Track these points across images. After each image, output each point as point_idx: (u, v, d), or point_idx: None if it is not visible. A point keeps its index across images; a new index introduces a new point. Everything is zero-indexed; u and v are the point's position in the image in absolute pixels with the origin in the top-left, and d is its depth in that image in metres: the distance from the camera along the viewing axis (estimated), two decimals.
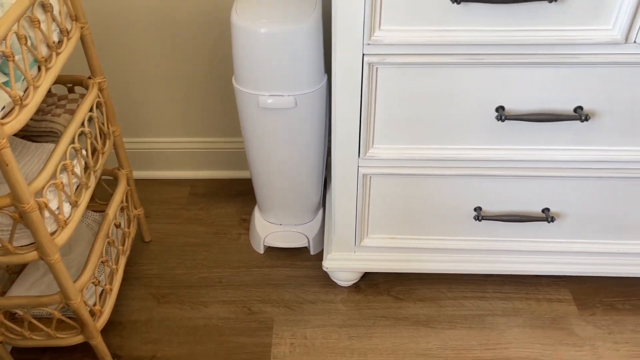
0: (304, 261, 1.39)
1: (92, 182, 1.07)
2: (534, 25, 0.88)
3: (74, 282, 1.01)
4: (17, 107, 0.80)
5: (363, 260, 1.25)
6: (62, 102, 1.12)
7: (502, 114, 0.97)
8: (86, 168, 1.06)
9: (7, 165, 0.78)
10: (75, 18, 1.01)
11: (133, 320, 1.27)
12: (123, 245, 1.26)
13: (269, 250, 1.42)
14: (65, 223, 0.95)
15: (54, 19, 0.92)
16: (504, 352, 1.18)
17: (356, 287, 1.32)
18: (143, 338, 1.23)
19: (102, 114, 1.15)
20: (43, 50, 0.88)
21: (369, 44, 0.91)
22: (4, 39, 0.76)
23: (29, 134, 1.06)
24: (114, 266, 1.20)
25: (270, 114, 1.16)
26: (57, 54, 0.92)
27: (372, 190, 1.13)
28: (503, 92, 0.97)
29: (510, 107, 0.99)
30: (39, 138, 1.05)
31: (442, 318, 1.25)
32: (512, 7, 0.86)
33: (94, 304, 1.11)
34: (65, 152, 0.95)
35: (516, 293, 1.30)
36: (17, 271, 1.22)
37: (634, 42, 0.89)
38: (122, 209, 1.27)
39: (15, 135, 1.02)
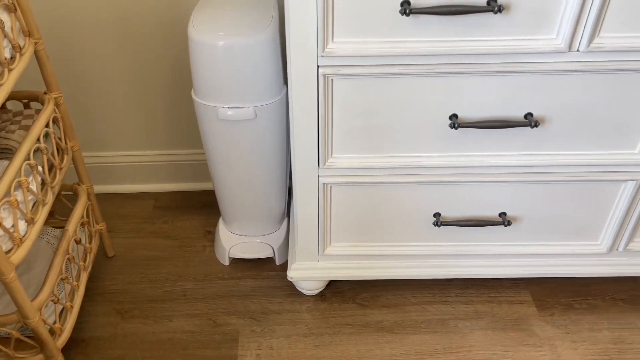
0: (270, 271, 1.39)
1: (50, 199, 1.05)
2: (482, 36, 0.91)
3: (32, 300, 0.99)
4: None
5: (327, 269, 1.26)
6: (17, 119, 1.10)
7: (455, 121, 1.00)
8: (43, 184, 1.05)
9: None
10: (28, 34, 1.00)
11: (96, 336, 1.26)
12: (84, 261, 1.24)
13: (235, 261, 1.42)
14: (21, 241, 0.94)
15: (5, 35, 0.91)
16: (467, 355, 1.20)
17: (322, 295, 1.33)
18: (107, 354, 1.22)
19: (59, 129, 1.14)
20: None
21: (322, 56, 0.92)
22: None
23: None
24: (75, 283, 1.18)
25: (230, 126, 1.17)
26: (9, 70, 0.92)
27: (333, 199, 1.14)
28: (456, 101, 1.00)
29: (464, 114, 1.01)
30: None
31: (406, 323, 1.27)
32: (459, 19, 0.89)
33: (54, 322, 1.09)
34: (19, 169, 0.94)
35: (478, 296, 1.32)
36: None
37: (577, 50, 0.92)
38: (83, 225, 1.25)
39: None
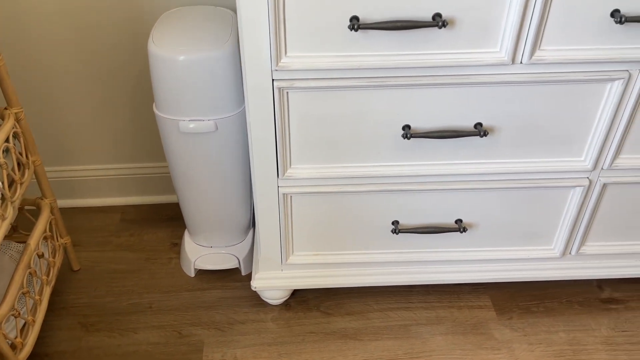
0: (235, 282, 1.41)
1: (10, 213, 1.06)
2: (429, 50, 0.95)
3: None
4: None
5: (290, 278, 1.28)
6: None
7: (408, 132, 1.03)
8: (3, 199, 1.05)
9: None
10: None
11: (60, 350, 1.25)
12: (47, 275, 1.25)
13: (201, 273, 1.43)
14: None
15: None
16: None
17: (286, 304, 1.35)
18: None
19: (20, 144, 1.15)
20: None
21: (277, 70, 0.95)
22: None
23: None
24: (37, 297, 1.18)
25: (192, 139, 1.19)
26: None
27: (293, 209, 1.17)
28: (408, 112, 1.03)
29: (416, 125, 1.05)
30: None
31: (369, 330, 1.29)
32: (407, 33, 0.92)
33: (15, 337, 1.09)
34: None
35: (439, 302, 1.35)
36: None
37: (521, 62, 0.97)
38: (46, 239, 1.26)
39: None
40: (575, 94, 1.02)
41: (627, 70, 0.98)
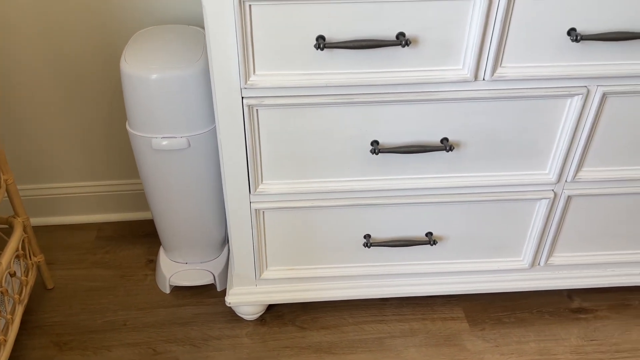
0: (211, 298, 1.41)
1: None
2: (394, 67, 0.97)
3: None
4: None
5: (265, 293, 1.29)
6: None
7: (376, 147, 1.06)
8: None
9: None
10: None
11: None
12: (20, 294, 1.24)
13: (176, 289, 1.43)
14: None
15: None
16: None
17: (261, 319, 1.36)
18: None
19: None
20: None
21: (246, 88, 0.97)
22: None
23: None
24: (9, 316, 1.17)
25: (164, 156, 1.20)
26: None
27: (266, 224, 1.18)
28: (376, 128, 1.06)
29: (384, 140, 1.07)
30: None
31: (343, 344, 1.30)
32: (372, 52, 0.95)
33: None
34: None
35: (413, 314, 1.37)
36: None
37: (483, 79, 1.00)
38: (18, 257, 1.25)
39: None
40: (537, 109, 1.05)
41: (586, 86, 1.02)
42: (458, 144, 1.09)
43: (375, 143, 1.07)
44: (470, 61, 0.97)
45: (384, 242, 1.21)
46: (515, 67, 0.99)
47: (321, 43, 0.91)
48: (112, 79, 1.39)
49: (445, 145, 1.06)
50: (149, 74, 1.11)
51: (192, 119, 1.16)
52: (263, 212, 1.16)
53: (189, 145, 1.18)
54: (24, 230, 1.28)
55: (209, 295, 1.42)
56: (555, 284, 1.32)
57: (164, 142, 1.18)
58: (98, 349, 1.29)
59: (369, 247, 1.21)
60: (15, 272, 1.21)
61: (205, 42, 1.17)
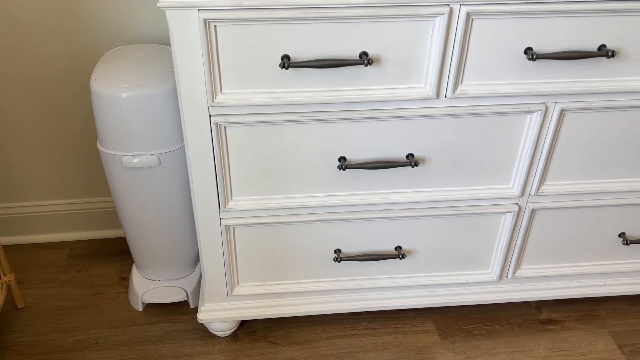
0: (184, 315, 1.41)
1: None
2: (358, 86, 1.00)
3: None
4: None
5: (237, 309, 1.29)
6: None
7: (343, 163, 1.08)
8: None
9: None
10: None
11: None
12: None
13: (149, 307, 1.43)
14: None
15: None
16: None
17: (234, 336, 1.36)
18: None
19: None
20: None
21: (213, 106, 0.99)
22: None
23: None
24: None
25: (135, 173, 1.21)
26: None
27: (237, 240, 1.19)
28: (343, 144, 1.08)
29: (351, 156, 1.09)
30: None
31: (316, 359, 1.31)
32: (336, 71, 0.98)
33: None
34: None
35: (385, 328, 1.38)
36: None
37: (445, 97, 1.03)
38: None
39: None
40: (499, 125, 1.08)
41: (544, 103, 1.06)
42: (423, 160, 1.11)
43: (342, 159, 1.09)
44: (432, 79, 1.00)
45: (354, 256, 1.23)
46: (475, 85, 1.02)
47: (286, 62, 0.93)
48: (82, 98, 1.40)
49: (411, 160, 1.09)
50: (119, 93, 1.12)
51: (163, 136, 1.17)
52: (233, 228, 1.17)
53: (160, 162, 1.19)
54: None
55: (182, 312, 1.42)
56: (523, 295, 1.35)
57: (135, 160, 1.19)
58: None
59: (339, 262, 1.23)
60: None
61: None
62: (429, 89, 1.01)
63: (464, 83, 1.02)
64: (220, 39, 0.92)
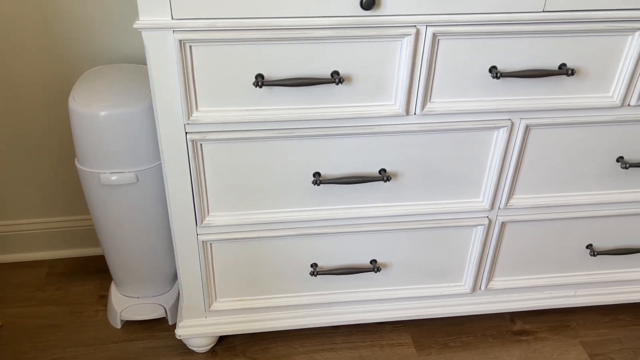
0: (162, 331, 1.42)
1: None
2: (331, 103, 1.03)
3: None
4: None
5: (215, 325, 1.30)
6: None
7: (317, 179, 1.10)
8: None
9: None
10: None
11: None
12: None
13: (128, 324, 1.43)
14: None
15: None
16: None
17: (213, 351, 1.37)
18: None
19: None
20: None
21: (189, 124, 1.02)
22: None
23: None
24: None
25: (113, 191, 1.22)
26: None
27: (214, 255, 1.21)
28: (317, 160, 1.11)
29: (326, 172, 1.12)
30: None
31: None
32: (309, 88, 1.01)
33: None
34: None
35: (362, 342, 1.40)
36: None
37: (414, 114, 1.07)
38: None
39: None
40: (467, 140, 1.12)
41: (510, 119, 1.10)
42: (395, 175, 1.14)
43: (317, 174, 1.12)
44: (401, 97, 1.04)
45: (330, 270, 1.25)
46: (443, 102, 1.06)
47: (260, 81, 0.97)
48: (61, 117, 1.42)
49: (383, 175, 1.12)
50: (97, 112, 1.14)
51: (140, 154, 1.19)
52: (210, 243, 1.19)
53: (138, 179, 1.21)
54: None
55: (161, 329, 1.42)
56: (496, 307, 1.38)
57: (113, 177, 1.20)
58: None
59: (315, 276, 1.25)
60: None
61: None
62: (398, 107, 1.05)
63: (432, 100, 1.06)
64: (195, 59, 0.95)
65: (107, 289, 1.53)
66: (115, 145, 1.17)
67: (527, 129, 1.12)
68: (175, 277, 1.45)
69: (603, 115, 1.11)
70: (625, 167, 1.17)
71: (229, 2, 0.91)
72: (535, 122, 1.11)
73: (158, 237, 1.32)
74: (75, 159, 1.22)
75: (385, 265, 1.28)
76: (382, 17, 0.95)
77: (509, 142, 1.12)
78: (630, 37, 1.03)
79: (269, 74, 0.99)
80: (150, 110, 1.16)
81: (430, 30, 0.97)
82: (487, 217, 1.23)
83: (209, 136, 1.04)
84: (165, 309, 1.42)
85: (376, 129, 1.08)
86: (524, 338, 1.42)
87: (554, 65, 1.04)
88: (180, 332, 1.30)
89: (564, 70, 1.03)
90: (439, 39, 0.99)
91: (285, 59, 0.97)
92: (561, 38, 1.02)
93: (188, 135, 1.03)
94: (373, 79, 1.02)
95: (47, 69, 1.35)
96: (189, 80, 0.97)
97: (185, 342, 1.35)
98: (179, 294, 1.44)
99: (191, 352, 1.36)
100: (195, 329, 1.30)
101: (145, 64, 1.30)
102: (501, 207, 1.22)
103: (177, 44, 0.93)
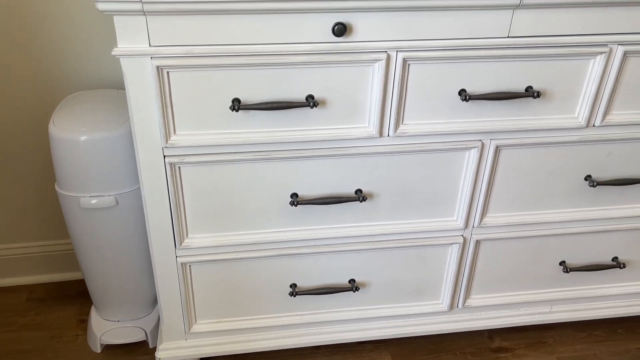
0: (143, 355, 1.41)
1: None
2: (307, 126, 1.06)
3: None
4: None
5: (195, 347, 1.31)
6: None
7: (295, 200, 1.13)
8: None
9: None
10: None
11: None
12: None
13: (108, 348, 1.43)
14: None
15: None
16: None
17: None
18: None
19: None
20: None
21: (167, 147, 1.04)
22: None
23: None
24: None
25: (93, 214, 1.23)
26: None
27: (193, 277, 1.22)
28: (295, 181, 1.13)
29: (303, 193, 1.15)
30: None
31: None
32: (284, 112, 1.04)
33: None
34: None
35: None
36: None
37: (388, 135, 1.10)
38: None
39: None
40: (440, 161, 1.15)
41: (480, 140, 1.13)
42: (371, 195, 1.17)
43: (294, 195, 1.14)
44: (375, 119, 1.07)
45: (310, 290, 1.27)
46: (415, 124, 1.09)
47: (236, 105, 0.99)
48: (41, 142, 1.43)
49: (359, 196, 1.15)
50: (77, 136, 1.16)
51: (120, 177, 1.21)
52: (189, 265, 1.20)
53: (117, 203, 1.22)
54: None
55: (141, 352, 1.42)
56: (474, 325, 1.40)
57: (93, 201, 1.21)
58: None
59: (294, 296, 1.26)
60: None
61: None
62: (372, 129, 1.08)
63: (404, 122, 1.09)
64: (173, 84, 0.98)
65: (87, 313, 1.53)
66: (95, 170, 1.19)
67: (498, 149, 1.15)
68: (155, 300, 1.45)
69: (569, 136, 1.15)
70: (593, 186, 1.21)
71: (206, 29, 0.94)
72: (505, 142, 1.14)
73: (138, 260, 1.33)
74: (55, 183, 1.24)
75: (363, 285, 1.30)
76: (354, 43, 0.99)
77: (480, 162, 1.16)
78: (592, 60, 1.07)
79: (245, 98, 1.01)
80: (130, 134, 1.18)
81: (401, 55, 1.01)
82: (462, 235, 1.26)
83: (187, 159, 1.06)
84: (145, 332, 1.41)
85: (351, 151, 1.10)
86: (502, 355, 1.44)
87: (520, 87, 1.08)
88: (160, 355, 1.30)
89: (530, 93, 1.07)
90: (409, 64, 1.03)
91: (261, 83, 1.00)
92: (526, 62, 1.06)
93: (166, 159, 1.05)
94: (347, 102, 1.05)
95: (27, 94, 1.37)
96: (167, 104, 0.99)
97: None
98: (159, 317, 1.44)
99: None
100: (176, 352, 1.30)
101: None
102: (475, 225, 1.24)
103: (155, 70, 0.95)
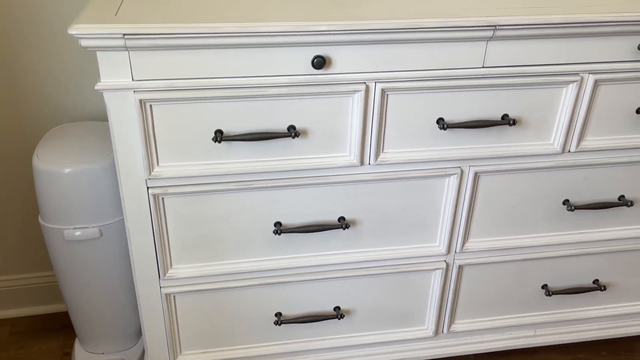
0: None
1: None
2: (288, 155, 1.08)
3: None
4: None
5: None
6: None
7: (278, 228, 1.14)
8: None
9: None
10: None
11: None
12: None
13: None
14: None
15: None
16: None
17: None
18: None
19: None
20: None
21: (150, 179, 1.05)
22: None
23: None
24: None
25: (77, 246, 1.23)
26: None
27: (177, 308, 1.21)
28: (278, 210, 1.14)
29: (286, 221, 1.16)
30: None
31: None
32: (266, 142, 1.05)
33: None
34: None
35: None
36: None
37: (369, 164, 1.12)
38: None
39: None
40: (421, 188, 1.17)
41: (459, 167, 1.16)
42: (354, 222, 1.18)
43: (278, 224, 1.15)
44: (355, 148, 1.09)
45: (295, 318, 1.27)
46: (395, 153, 1.11)
47: (218, 136, 1.01)
48: (24, 175, 1.43)
49: (342, 223, 1.16)
50: (60, 169, 1.16)
51: (104, 209, 1.21)
52: (174, 296, 1.20)
53: (101, 234, 1.23)
54: None
55: None
56: (459, 350, 1.40)
57: (77, 233, 1.21)
58: None
59: (280, 325, 1.26)
60: None
61: None
62: (353, 157, 1.10)
63: (385, 151, 1.11)
64: (155, 117, 0.99)
65: (71, 346, 1.51)
66: (79, 202, 1.19)
67: (477, 175, 1.18)
68: (140, 331, 1.44)
69: (546, 162, 1.18)
70: (571, 210, 1.23)
71: (187, 64, 0.96)
72: (484, 169, 1.17)
73: (122, 291, 1.33)
74: (39, 216, 1.24)
75: (348, 312, 1.30)
76: (333, 75, 1.01)
77: (460, 188, 1.18)
78: (564, 89, 1.11)
79: (227, 130, 1.03)
80: (113, 166, 1.18)
81: (379, 86, 1.03)
82: (445, 260, 1.27)
83: (171, 190, 1.07)
84: None
85: (333, 179, 1.12)
86: None
87: (497, 115, 1.11)
88: None
89: (506, 121, 1.10)
90: (387, 94, 1.05)
91: (243, 115, 1.02)
92: (502, 91, 1.09)
93: (150, 190, 1.06)
94: (328, 132, 1.07)
95: (11, 127, 1.37)
96: (150, 137, 1.01)
97: None
98: (144, 348, 1.43)
99: None
100: None
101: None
102: (457, 250, 1.26)
103: (138, 103, 0.97)
